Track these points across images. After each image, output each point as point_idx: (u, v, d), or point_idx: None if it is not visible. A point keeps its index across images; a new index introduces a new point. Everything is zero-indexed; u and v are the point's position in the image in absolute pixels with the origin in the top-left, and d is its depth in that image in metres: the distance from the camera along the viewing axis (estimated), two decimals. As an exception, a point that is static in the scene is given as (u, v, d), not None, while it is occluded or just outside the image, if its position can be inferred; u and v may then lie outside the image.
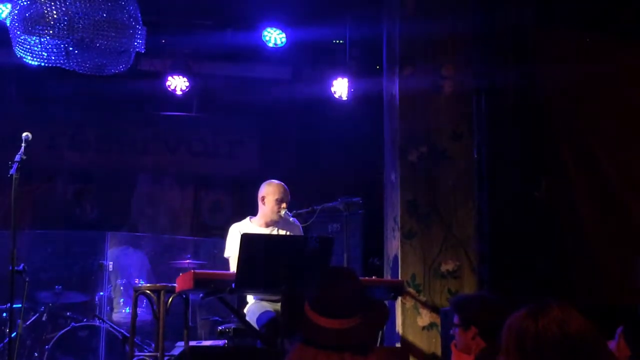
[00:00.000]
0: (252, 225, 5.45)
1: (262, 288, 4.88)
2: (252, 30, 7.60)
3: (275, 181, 5.53)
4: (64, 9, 4.59)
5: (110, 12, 4.71)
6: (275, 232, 5.43)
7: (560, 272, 5.74)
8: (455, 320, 3.73)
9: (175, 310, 5.34)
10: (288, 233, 5.45)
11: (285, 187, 5.49)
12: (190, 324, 5.65)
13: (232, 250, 5.16)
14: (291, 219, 5.47)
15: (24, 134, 5.14)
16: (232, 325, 5.43)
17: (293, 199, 5.58)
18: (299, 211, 6.04)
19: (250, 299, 5.40)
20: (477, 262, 5.68)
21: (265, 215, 5.46)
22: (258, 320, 5.14)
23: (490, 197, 5.81)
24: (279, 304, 5.00)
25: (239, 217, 5.69)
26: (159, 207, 9.14)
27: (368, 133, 7.24)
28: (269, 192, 5.44)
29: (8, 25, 4.91)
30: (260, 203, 5.48)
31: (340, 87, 7.67)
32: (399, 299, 5.51)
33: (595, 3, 5.96)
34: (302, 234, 5.52)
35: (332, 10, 7.31)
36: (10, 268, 5.02)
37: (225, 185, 9.45)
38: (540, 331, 2.03)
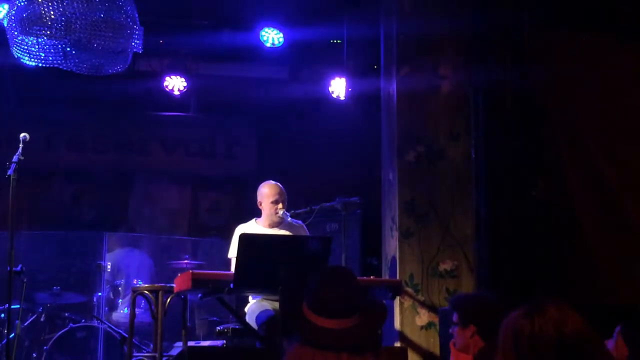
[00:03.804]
0: (257, 227, 5.47)
1: (260, 288, 4.88)
2: (250, 30, 7.59)
3: (269, 183, 5.53)
4: (61, 9, 4.58)
5: (107, 12, 4.70)
6: (280, 233, 5.43)
7: (558, 271, 5.74)
8: (455, 318, 3.74)
9: (174, 310, 5.33)
10: (289, 234, 5.45)
11: (280, 187, 5.49)
12: (188, 324, 5.65)
13: (235, 251, 5.17)
14: (289, 219, 5.47)
15: (22, 135, 5.14)
16: (231, 326, 5.43)
17: (291, 199, 5.58)
18: (297, 211, 6.05)
19: (251, 298, 5.41)
20: (475, 261, 5.69)
21: (267, 217, 5.48)
22: (257, 319, 5.14)
23: (487, 197, 5.81)
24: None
25: (237, 218, 5.69)
26: (157, 207, 9.13)
27: (366, 133, 7.24)
28: (264, 196, 5.46)
29: (5, 25, 4.91)
30: (259, 207, 5.51)
31: (338, 87, 7.67)
32: (398, 298, 5.51)
33: (593, 3, 5.96)
34: (308, 235, 5.52)
35: (329, 10, 7.31)
36: (8, 269, 5.02)
37: (223, 186, 9.44)
38: (536, 331, 2.02)
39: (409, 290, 5.60)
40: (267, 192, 5.46)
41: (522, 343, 2.04)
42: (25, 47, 4.83)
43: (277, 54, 7.76)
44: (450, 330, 3.81)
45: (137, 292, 5.26)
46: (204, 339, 6.83)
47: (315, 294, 2.72)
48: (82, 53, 4.81)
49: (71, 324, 6.80)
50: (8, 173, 5.05)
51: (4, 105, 8.24)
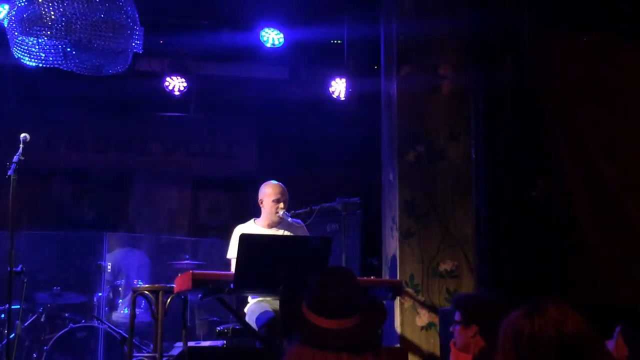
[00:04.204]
0: (256, 227, 5.47)
1: (260, 288, 4.88)
2: (250, 30, 7.60)
3: (272, 182, 5.54)
4: (61, 9, 4.59)
5: (107, 12, 4.71)
6: (279, 233, 5.43)
7: (558, 271, 5.74)
8: (457, 317, 3.73)
9: (174, 310, 5.34)
10: (289, 234, 5.44)
11: (282, 187, 5.50)
12: (188, 324, 5.65)
13: (234, 252, 5.17)
14: (289, 219, 5.47)
15: (22, 135, 5.14)
16: (231, 326, 5.43)
17: (291, 199, 5.58)
18: (298, 211, 6.04)
19: (250, 298, 5.41)
20: (475, 261, 5.69)
21: (266, 217, 5.48)
22: (257, 320, 5.14)
23: (488, 197, 5.81)
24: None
25: (237, 218, 5.69)
26: (157, 207, 9.13)
27: (366, 133, 7.24)
28: (266, 194, 5.46)
29: (6, 26, 4.91)
30: (260, 205, 5.51)
31: (338, 87, 7.67)
32: (398, 299, 5.51)
33: (593, 3, 5.96)
34: (307, 235, 5.52)
35: (329, 10, 7.31)
36: (9, 269, 5.02)
37: (223, 186, 9.44)
38: (536, 331, 2.02)
39: (409, 290, 5.60)
40: (269, 191, 5.47)
41: (522, 343, 2.04)
42: (26, 48, 4.83)
43: (278, 54, 7.76)
44: (451, 329, 3.80)
45: (137, 293, 5.26)
46: (204, 339, 6.83)
47: (314, 294, 2.72)
48: (83, 53, 4.81)
49: (71, 324, 6.80)
50: (8, 173, 5.05)
51: (4, 105, 8.24)
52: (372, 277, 5.39)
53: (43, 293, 6.93)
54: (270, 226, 5.48)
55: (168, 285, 5.10)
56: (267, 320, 5.04)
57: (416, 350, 5.55)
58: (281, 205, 5.41)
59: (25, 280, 5.50)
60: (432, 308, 5.58)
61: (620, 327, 3.49)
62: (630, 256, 5.74)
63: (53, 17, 4.57)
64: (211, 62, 8.25)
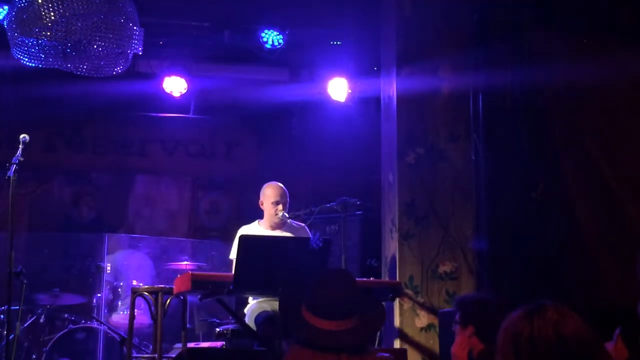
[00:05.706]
0: (259, 228, 5.48)
1: (260, 289, 4.88)
2: (250, 31, 7.59)
3: (273, 183, 5.55)
4: (61, 10, 4.58)
5: (107, 13, 4.70)
6: (282, 235, 5.42)
7: (559, 273, 5.74)
8: (457, 317, 3.76)
9: (173, 311, 5.34)
10: (291, 235, 5.44)
11: (283, 188, 5.50)
12: (188, 325, 5.64)
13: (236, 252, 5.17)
14: (289, 220, 5.47)
15: (22, 136, 5.13)
16: (230, 327, 5.43)
17: (291, 200, 5.58)
18: (297, 212, 6.05)
19: (251, 299, 5.41)
20: (475, 263, 5.68)
21: (267, 219, 5.49)
22: (256, 319, 5.15)
23: (487, 199, 5.81)
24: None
25: (237, 219, 5.69)
26: (157, 208, 9.13)
27: (366, 134, 7.24)
28: (266, 196, 5.47)
29: (5, 26, 4.91)
30: (261, 207, 5.51)
31: (338, 89, 7.66)
32: (397, 300, 5.51)
33: (594, 5, 5.96)
34: (310, 237, 5.51)
35: (329, 11, 7.30)
36: (8, 270, 5.01)
37: (222, 187, 9.44)
38: (535, 333, 2.02)
39: (409, 291, 5.60)
40: (269, 192, 5.48)
41: (521, 344, 2.03)
42: (25, 48, 4.83)
43: (277, 55, 7.76)
44: (453, 328, 3.82)
45: (136, 293, 5.26)
46: (204, 340, 6.83)
47: (313, 296, 2.72)
48: (82, 54, 4.81)
49: (71, 325, 6.79)
50: (8, 174, 5.05)
51: (4, 107, 8.23)
52: (371, 279, 5.39)
53: (42, 294, 6.93)
54: (273, 228, 5.49)
55: (167, 286, 5.10)
56: (265, 319, 5.04)
57: (416, 351, 5.54)
58: (280, 207, 5.42)
59: (24, 281, 5.49)
60: (431, 309, 5.58)
61: (620, 329, 3.48)
62: (630, 256, 5.73)
63: (53, 18, 4.57)
64: (211, 63, 8.24)
